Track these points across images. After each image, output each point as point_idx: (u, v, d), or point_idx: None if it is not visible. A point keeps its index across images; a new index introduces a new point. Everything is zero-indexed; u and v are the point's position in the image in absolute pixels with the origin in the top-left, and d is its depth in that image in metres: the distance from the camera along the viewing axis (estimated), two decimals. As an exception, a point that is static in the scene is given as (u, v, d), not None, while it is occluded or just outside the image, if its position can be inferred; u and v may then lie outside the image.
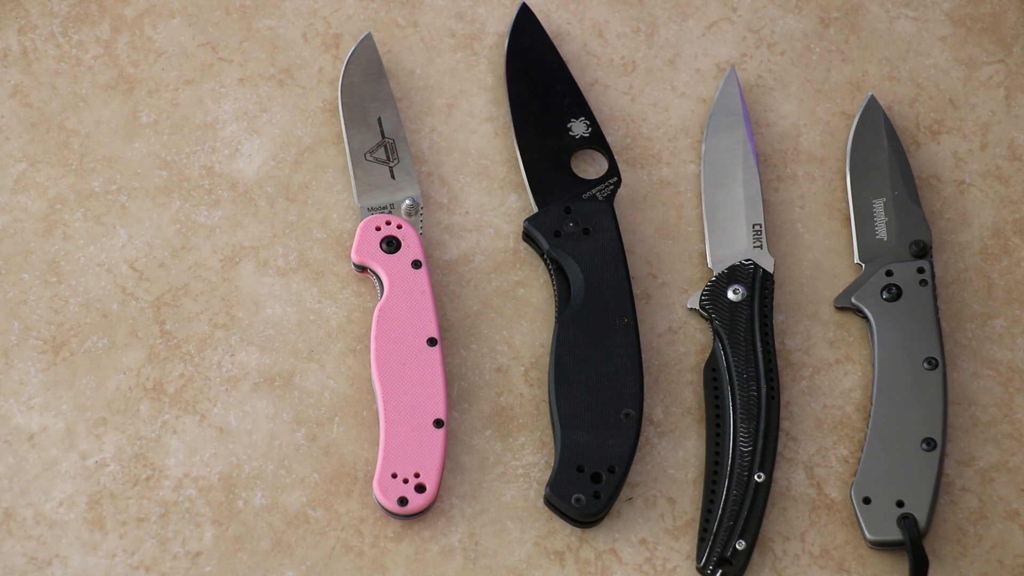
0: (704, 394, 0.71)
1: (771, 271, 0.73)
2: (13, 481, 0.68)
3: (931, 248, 0.74)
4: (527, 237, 0.75)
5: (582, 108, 0.77)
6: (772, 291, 0.73)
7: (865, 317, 0.73)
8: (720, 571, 0.67)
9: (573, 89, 0.78)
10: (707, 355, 0.73)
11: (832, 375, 0.73)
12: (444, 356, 0.71)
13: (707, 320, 0.73)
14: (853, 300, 0.73)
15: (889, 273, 0.73)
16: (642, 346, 0.71)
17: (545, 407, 0.71)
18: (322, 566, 0.67)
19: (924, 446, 0.69)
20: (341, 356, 0.72)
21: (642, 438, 0.70)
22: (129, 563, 0.67)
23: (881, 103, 0.78)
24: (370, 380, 0.71)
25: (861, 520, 0.68)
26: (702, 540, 0.68)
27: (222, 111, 0.77)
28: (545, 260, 0.74)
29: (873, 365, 0.72)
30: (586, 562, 0.68)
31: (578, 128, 0.77)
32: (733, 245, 0.74)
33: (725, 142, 0.77)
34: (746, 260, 0.74)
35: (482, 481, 0.70)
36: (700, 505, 0.69)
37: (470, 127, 0.78)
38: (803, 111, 0.80)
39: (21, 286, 0.72)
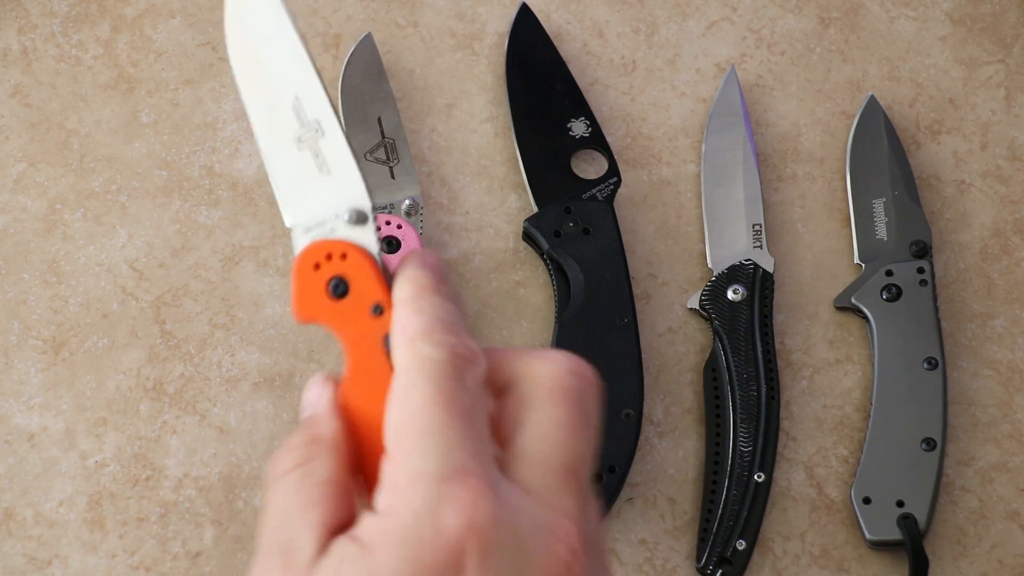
0: (704, 394, 0.71)
1: (771, 271, 0.73)
2: (13, 481, 0.68)
3: (931, 248, 0.74)
4: (527, 237, 0.75)
5: (582, 108, 0.77)
6: (772, 291, 0.73)
7: (865, 317, 0.73)
8: (720, 571, 0.67)
9: (573, 89, 0.78)
10: (707, 355, 0.73)
11: (832, 375, 0.73)
12: (444, 356, 0.71)
13: (707, 320, 0.73)
14: (853, 300, 0.73)
15: (889, 273, 0.73)
16: (642, 346, 0.71)
17: (545, 407, 0.71)
18: (322, 566, 0.67)
19: (924, 446, 0.69)
20: (341, 356, 0.72)
21: (642, 438, 0.70)
22: (129, 563, 0.67)
23: (881, 103, 0.78)
24: (370, 380, 0.71)
25: (861, 520, 0.68)
26: (702, 540, 0.68)
27: (222, 111, 0.77)
28: (545, 260, 0.74)
29: (873, 365, 0.72)
30: (586, 562, 0.68)
31: (578, 128, 0.77)
32: (733, 245, 0.75)
33: (725, 142, 0.77)
34: (746, 260, 0.74)
35: (482, 481, 0.70)
36: (700, 505, 0.69)
37: (470, 127, 0.78)
38: (803, 111, 0.80)
39: (21, 286, 0.72)
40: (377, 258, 0.51)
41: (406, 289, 0.50)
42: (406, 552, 0.44)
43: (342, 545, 0.46)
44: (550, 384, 0.48)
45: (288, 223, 0.53)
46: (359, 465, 0.50)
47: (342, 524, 0.48)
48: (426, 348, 0.48)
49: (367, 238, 0.52)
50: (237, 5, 0.54)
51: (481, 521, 0.44)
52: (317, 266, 0.52)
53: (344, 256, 0.51)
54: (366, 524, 0.46)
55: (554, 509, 0.46)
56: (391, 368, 0.50)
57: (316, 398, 0.52)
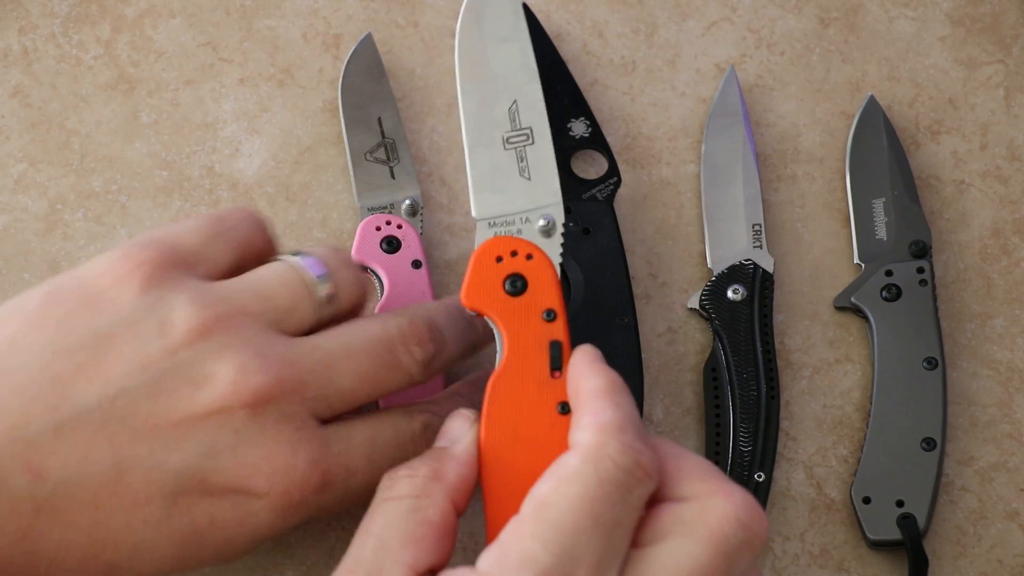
0: (704, 394, 0.71)
1: (771, 271, 0.73)
2: (13, 481, 0.68)
3: (931, 248, 0.74)
4: (527, 237, 0.75)
5: (582, 108, 0.77)
6: (772, 291, 0.73)
7: (865, 317, 0.73)
8: (720, 571, 0.67)
9: (573, 89, 0.78)
10: (707, 355, 0.73)
11: (832, 375, 0.73)
12: (444, 356, 0.71)
13: (707, 320, 0.73)
14: (853, 300, 0.73)
15: (889, 273, 0.73)
16: (642, 346, 0.71)
17: (545, 407, 0.71)
18: (322, 566, 0.67)
19: (924, 446, 0.69)
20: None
21: (642, 438, 0.70)
22: (129, 563, 0.67)
23: (881, 103, 0.78)
24: (370, 380, 0.71)
25: (861, 520, 0.68)
26: (702, 540, 0.68)
27: (222, 111, 0.77)
28: (545, 260, 0.74)
29: (873, 365, 0.72)
30: (586, 562, 0.68)
31: (578, 128, 0.77)
32: (733, 245, 0.75)
33: (725, 142, 0.77)
34: (746, 260, 0.74)
35: (482, 481, 0.70)
36: (700, 505, 0.69)
37: (470, 127, 0.78)
38: (803, 111, 0.80)
39: (21, 286, 0.72)
40: (558, 269, 0.54)
41: (602, 378, 0.51)
42: None
43: None
44: (714, 524, 0.47)
45: (475, 214, 0.55)
46: (488, 457, 0.51)
47: (433, 568, 0.47)
48: (614, 446, 0.47)
49: (553, 248, 0.54)
50: (480, 1, 0.58)
51: None
52: (499, 259, 0.54)
53: (530, 257, 0.54)
54: None
55: None
56: (550, 369, 0.52)
57: (457, 435, 0.52)
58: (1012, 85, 0.81)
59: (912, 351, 0.71)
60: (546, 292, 0.53)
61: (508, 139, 0.56)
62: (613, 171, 0.76)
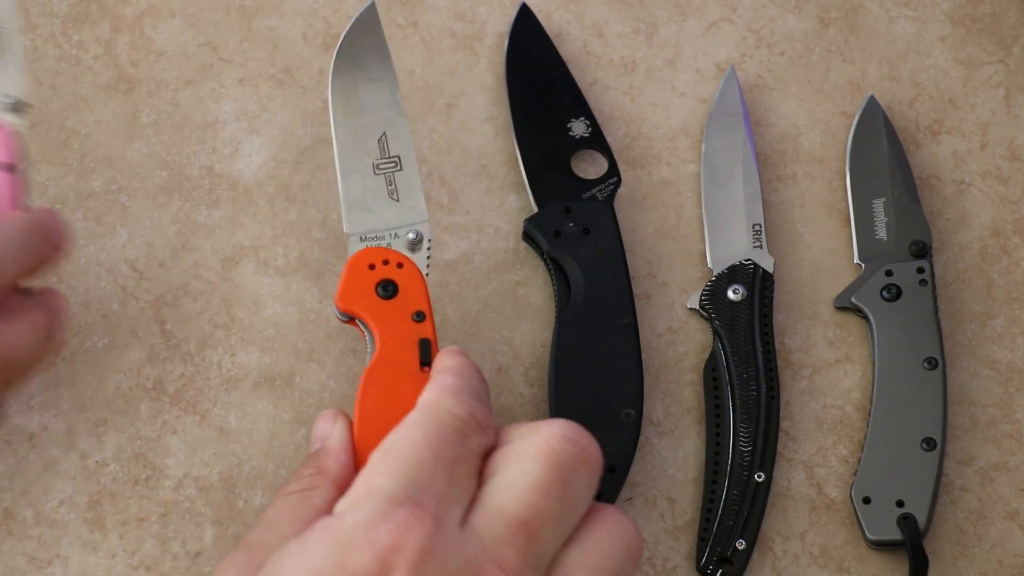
0: (704, 394, 0.71)
1: (771, 271, 0.73)
2: (13, 481, 0.68)
3: (931, 248, 0.74)
4: (527, 237, 0.75)
5: (582, 108, 0.77)
6: (772, 291, 0.73)
7: (865, 317, 0.73)
8: (720, 571, 0.67)
9: (573, 89, 0.78)
10: (707, 355, 0.73)
11: (832, 375, 0.73)
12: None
13: (707, 320, 0.73)
14: (853, 300, 0.73)
15: (889, 273, 0.73)
16: (642, 346, 0.71)
17: (545, 407, 0.71)
18: (322, 566, 0.67)
19: (924, 446, 0.69)
20: (341, 356, 0.72)
21: (642, 438, 0.70)
22: (129, 563, 0.67)
23: (881, 103, 0.78)
24: (370, 380, 0.71)
25: (861, 520, 0.68)
26: (702, 540, 0.68)
27: (222, 111, 0.77)
28: (545, 260, 0.74)
29: (873, 365, 0.72)
30: (586, 562, 0.68)
31: (578, 128, 0.77)
32: (733, 245, 0.75)
33: (725, 142, 0.77)
34: (746, 260, 0.74)
35: (482, 481, 0.70)
36: (700, 505, 0.69)
37: (470, 127, 0.78)
38: (803, 111, 0.80)
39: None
40: (427, 278, 0.61)
41: (453, 360, 0.56)
42: (335, 554, 0.47)
43: (289, 544, 0.49)
44: (543, 443, 0.51)
45: (347, 229, 0.63)
46: (364, 453, 0.55)
47: None
48: (450, 400, 0.52)
49: (420, 260, 0.62)
50: (351, 45, 0.66)
51: (411, 546, 0.46)
52: (372, 266, 0.60)
53: (400, 265, 0.61)
54: (316, 525, 0.49)
55: (489, 555, 0.47)
56: (419, 363, 0.57)
57: (325, 432, 0.57)
58: (1012, 85, 0.81)
59: (912, 351, 0.71)
60: (415, 296, 0.60)
61: (378, 166, 0.64)
62: (613, 171, 0.76)
